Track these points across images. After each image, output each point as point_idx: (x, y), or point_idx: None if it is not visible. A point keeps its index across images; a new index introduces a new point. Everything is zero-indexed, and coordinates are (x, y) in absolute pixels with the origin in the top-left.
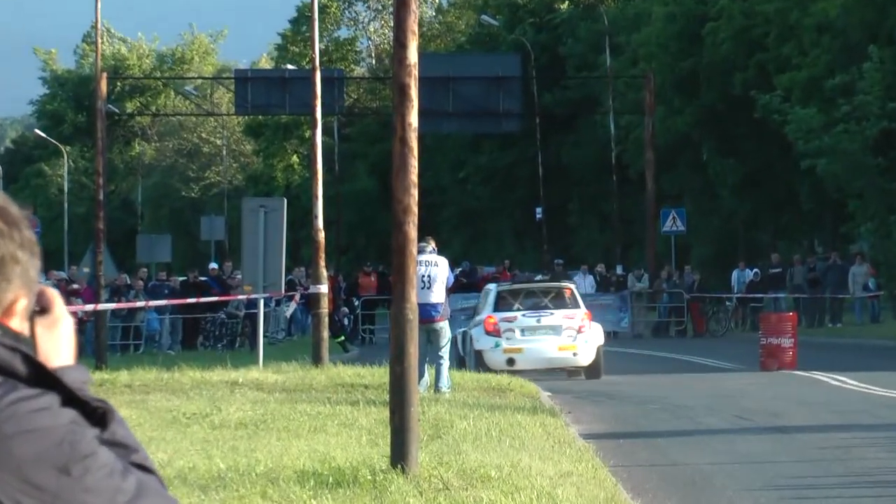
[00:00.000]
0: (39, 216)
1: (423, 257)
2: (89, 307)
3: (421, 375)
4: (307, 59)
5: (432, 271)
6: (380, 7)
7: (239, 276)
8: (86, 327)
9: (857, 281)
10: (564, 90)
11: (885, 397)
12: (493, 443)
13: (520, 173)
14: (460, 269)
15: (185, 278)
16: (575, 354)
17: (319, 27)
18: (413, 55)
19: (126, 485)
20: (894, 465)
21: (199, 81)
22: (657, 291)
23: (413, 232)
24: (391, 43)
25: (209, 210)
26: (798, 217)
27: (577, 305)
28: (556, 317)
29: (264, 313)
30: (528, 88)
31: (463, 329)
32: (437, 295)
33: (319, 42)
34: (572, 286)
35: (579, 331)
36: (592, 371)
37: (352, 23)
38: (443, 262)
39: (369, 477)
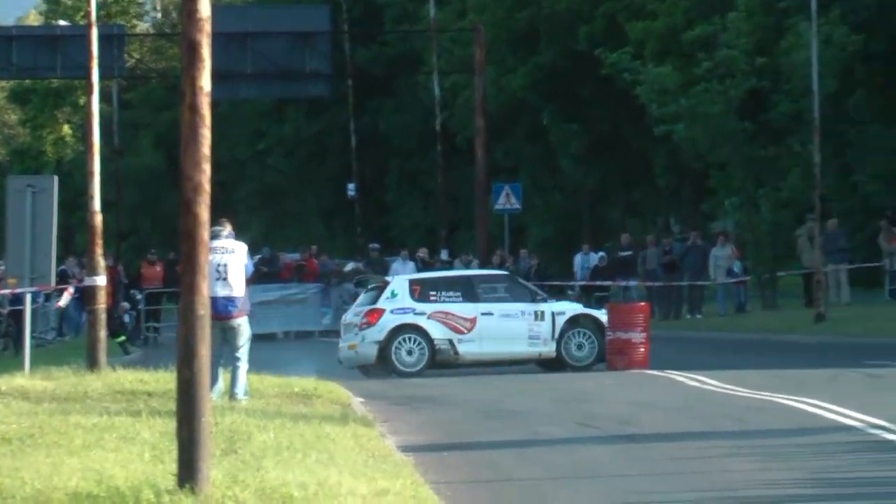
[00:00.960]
0: None
1: (217, 243)
2: None
3: (214, 381)
4: (82, 14)
5: (228, 259)
6: None
7: (2, 267)
8: None
9: (720, 265)
10: (382, 47)
11: (751, 399)
12: (297, 457)
13: (330, 144)
14: (260, 256)
15: None
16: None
17: None
18: (205, 7)
19: None
20: (762, 477)
21: None
22: None
23: (205, 213)
24: None
25: None
26: (652, 191)
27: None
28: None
29: (32, 310)
30: (340, 45)
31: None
32: (235, 287)
33: None
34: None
35: (360, 326)
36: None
37: None
38: (240, 249)
39: (153, 498)
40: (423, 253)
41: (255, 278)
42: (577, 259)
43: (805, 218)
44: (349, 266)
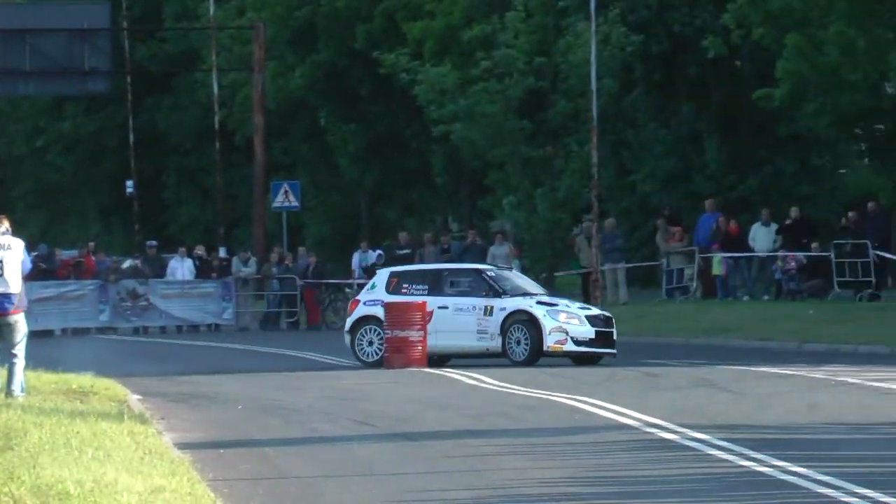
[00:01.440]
0: None
1: None
2: None
3: None
4: None
5: (4, 256)
6: None
7: None
8: None
9: (498, 263)
10: (161, 44)
11: (527, 397)
12: (73, 454)
13: (108, 141)
14: (37, 252)
15: None
16: None
17: None
18: None
19: None
20: (537, 475)
21: None
22: (266, 277)
23: None
24: None
25: None
26: (431, 190)
27: None
28: None
29: None
30: (119, 42)
31: None
32: (11, 283)
33: None
34: None
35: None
36: None
37: None
38: (17, 245)
39: None
40: (200, 250)
41: (33, 275)
42: (355, 257)
43: (582, 217)
44: (126, 263)
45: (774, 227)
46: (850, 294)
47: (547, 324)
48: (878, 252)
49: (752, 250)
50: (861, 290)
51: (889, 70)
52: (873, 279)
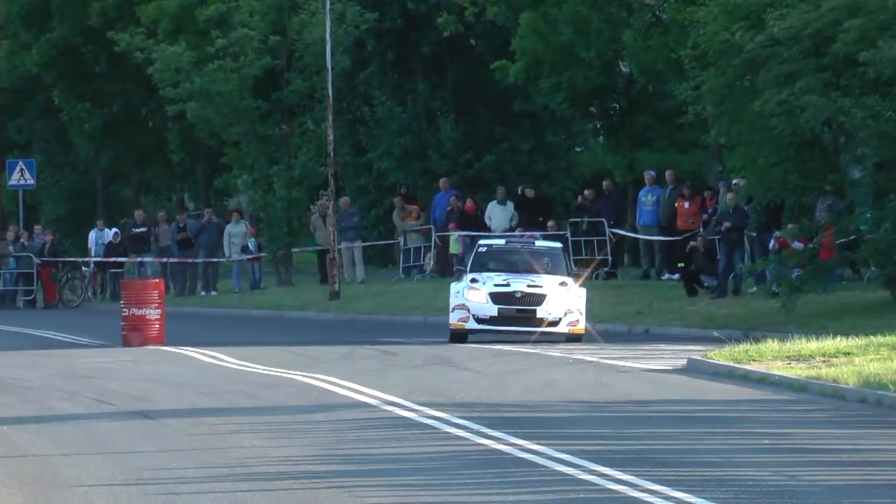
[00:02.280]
0: None
1: None
2: None
3: None
4: None
5: None
6: None
7: None
8: None
9: (235, 242)
10: None
11: (264, 376)
12: None
13: None
14: None
15: None
16: None
17: None
18: None
19: None
20: (276, 454)
21: None
22: (2, 256)
23: None
24: None
25: None
26: (167, 169)
27: None
28: None
29: None
30: None
31: None
32: None
33: None
34: None
35: None
36: None
37: None
38: None
39: None
40: None
41: None
42: (92, 235)
43: (319, 194)
44: None
45: (511, 205)
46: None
47: (453, 301)
48: (614, 230)
49: (489, 229)
50: (598, 268)
51: (623, 49)
52: (609, 257)
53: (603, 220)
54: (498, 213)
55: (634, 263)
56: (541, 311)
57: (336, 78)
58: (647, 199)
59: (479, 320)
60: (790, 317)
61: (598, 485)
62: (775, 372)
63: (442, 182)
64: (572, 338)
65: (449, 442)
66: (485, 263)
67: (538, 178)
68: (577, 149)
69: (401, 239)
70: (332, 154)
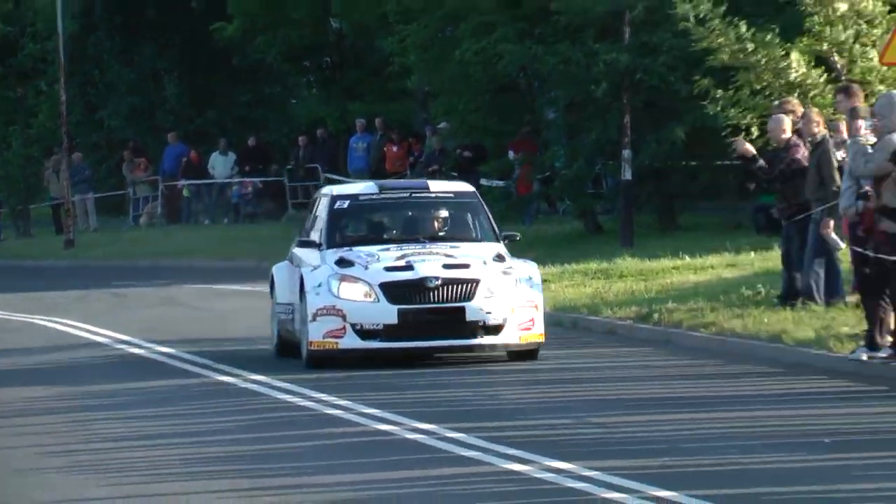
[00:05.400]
0: None
1: None
2: None
3: None
4: None
5: None
6: None
7: None
8: None
9: None
10: None
11: (7, 321)
12: None
13: None
14: None
15: None
16: None
17: None
18: None
19: None
20: (22, 394)
21: None
22: None
23: None
24: None
25: None
26: None
27: None
28: None
29: None
30: None
31: None
32: None
33: None
34: None
35: None
36: None
37: None
38: None
39: None
40: None
41: None
42: None
43: (53, 150)
44: None
45: (232, 155)
46: (304, 214)
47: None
48: (329, 175)
49: (213, 177)
50: None
51: (333, 4)
52: None
53: (318, 165)
54: (220, 163)
55: None
56: (472, 311)
57: (67, 42)
58: (358, 145)
59: (364, 333)
60: None
61: (297, 405)
62: None
63: (170, 136)
64: (525, 352)
65: (177, 376)
66: (350, 230)
67: (258, 129)
68: (293, 100)
69: (130, 190)
70: (64, 114)
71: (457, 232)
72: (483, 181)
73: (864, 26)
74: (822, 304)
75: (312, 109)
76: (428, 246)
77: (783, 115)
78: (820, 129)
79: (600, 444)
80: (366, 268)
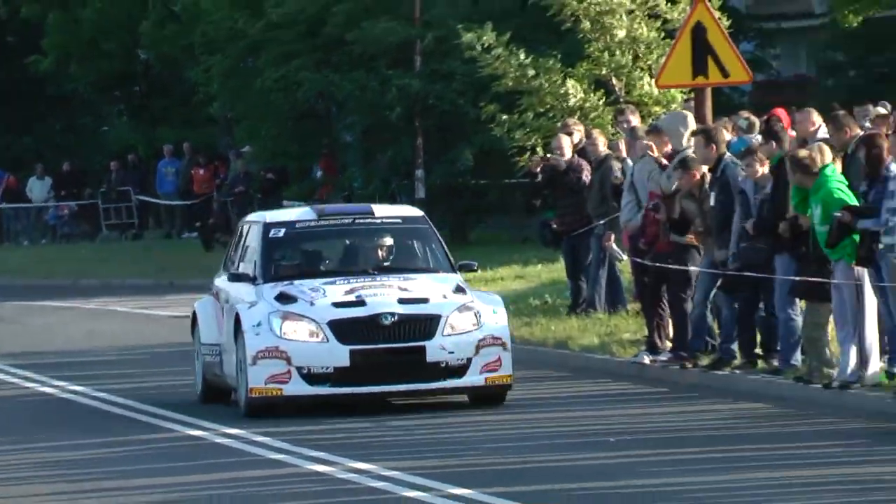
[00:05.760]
0: None
1: None
2: None
3: None
4: None
5: None
6: None
7: None
8: None
9: None
10: None
11: None
12: None
13: None
14: None
15: None
16: None
17: None
18: None
19: None
20: None
21: None
22: None
23: None
24: None
25: None
26: None
27: None
28: None
29: None
30: None
31: None
32: None
33: None
34: None
35: None
36: None
37: None
38: None
39: None
40: None
41: None
42: None
43: None
44: None
45: (48, 179)
46: (117, 235)
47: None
48: (140, 197)
49: (31, 201)
50: (126, 231)
51: (142, 37)
52: (136, 220)
53: (129, 188)
54: (38, 187)
55: (158, 225)
56: (433, 350)
57: None
58: (167, 169)
59: (311, 378)
60: None
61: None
62: None
63: None
64: (491, 394)
65: (3, 388)
66: (287, 261)
67: (72, 154)
68: (105, 127)
69: None
70: None
71: (408, 262)
72: (285, 202)
73: (642, 50)
74: (605, 312)
75: (123, 136)
76: (379, 278)
77: (564, 136)
78: (602, 149)
79: (402, 446)
80: (311, 304)
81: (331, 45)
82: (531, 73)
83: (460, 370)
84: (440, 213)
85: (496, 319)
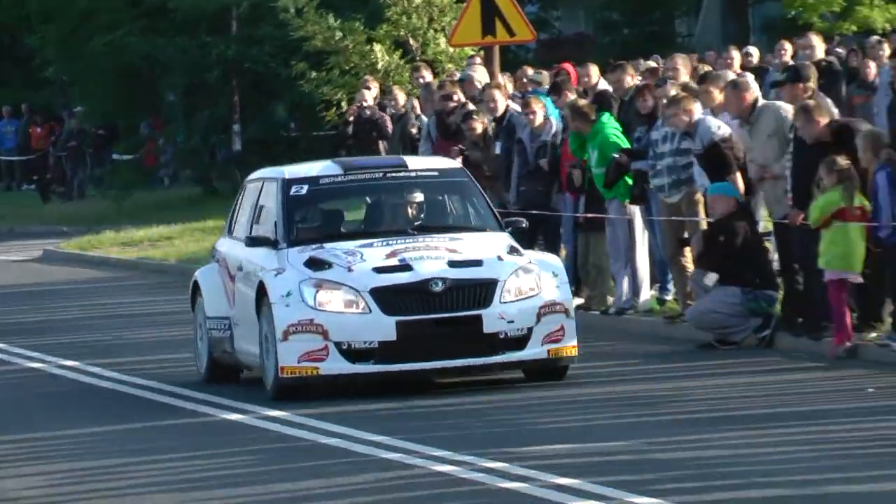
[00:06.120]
0: None
1: None
2: None
3: None
4: None
5: None
6: None
7: None
8: None
9: None
10: None
11: None
12: None
13: None
14: None
15: None
16: None
17: None
18: None
19: None
20: None
21: None
22: None
23: None
24: None
25: None
26: None
27: None
28: None
29: None
30: None
31: None
32: None
33: None
34: None
35: None
36: None
37: None
38: None
39: None
40: None
41: None
42: None
43: None
44: None
45: None
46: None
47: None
48: None
49: None
50: None
51: None
52: None
53: None
54: None
55: None
56: (490, 319)
57: None
58: (6, 129)
59: (353, 355)
60: (123, 212)
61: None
62: (113, 255)
63: None
64: (554, 368)
65: None
66: (313, 222)
67: None
68: None
69: None
70: None
71: (450, 219)
72: (115, 156)
73: (436, 14)
74: None
75: None
76: (421, 239)
77: (366, 90)
78: (402, 102)
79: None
80: (349, 269)
81: (155, 13)
82: (339, 34)
83: (521, 342)
84: (255, 163)
85: (556, 283)
